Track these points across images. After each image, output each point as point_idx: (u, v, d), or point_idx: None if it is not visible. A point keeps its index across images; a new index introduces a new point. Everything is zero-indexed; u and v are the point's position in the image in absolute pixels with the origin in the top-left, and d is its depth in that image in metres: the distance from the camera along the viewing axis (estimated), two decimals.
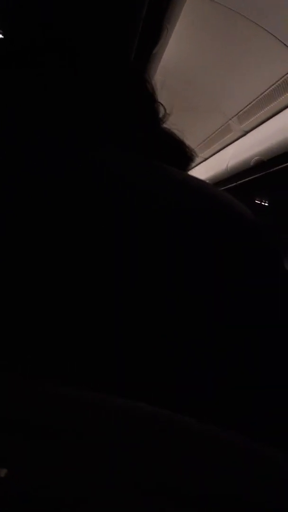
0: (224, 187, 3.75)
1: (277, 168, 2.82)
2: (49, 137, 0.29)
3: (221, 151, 3.78)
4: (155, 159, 0.32)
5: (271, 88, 2.60)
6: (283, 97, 2.60)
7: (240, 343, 0.25)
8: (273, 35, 2.21)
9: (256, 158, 2.94)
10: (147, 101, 0.36)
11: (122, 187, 0.27)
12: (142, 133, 0.34)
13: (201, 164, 4.33)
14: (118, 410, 0.21)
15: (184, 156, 0.39)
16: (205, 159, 4.22)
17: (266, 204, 3.93)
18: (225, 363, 0.25)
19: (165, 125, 0.38)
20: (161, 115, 0.37)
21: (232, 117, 3.18)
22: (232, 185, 3.58)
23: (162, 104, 0.36)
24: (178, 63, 2.73)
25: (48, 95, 0.31)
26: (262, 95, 2.72)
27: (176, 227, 0.26)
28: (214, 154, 3.97)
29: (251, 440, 0.22)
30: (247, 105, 2.92)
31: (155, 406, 0.22)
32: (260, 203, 3.94)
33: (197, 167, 4.39)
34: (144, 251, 0.25)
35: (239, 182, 3.45)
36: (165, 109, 0.37)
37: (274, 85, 2.56)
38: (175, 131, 0.37)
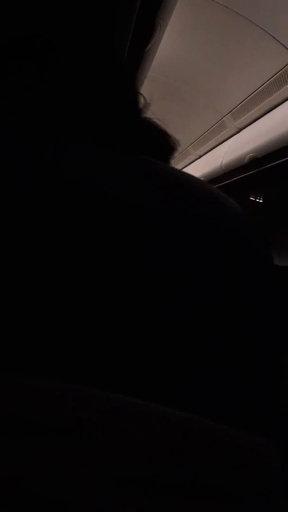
0: (219, 184, 3.76)
1: (271, 165, 2.82)
2: (18, 138, 0.29)
3: (216, 148, 3.78)
4: (136, 151, 0.32)
5: (265, 85, 2.61)
6: (277, 93, 2.60)
7: (235, 340, 0.25)
8: (267, 32, 2.21)
9: (250, 155, 2.94)
10: (126, 91, 0.35)
11: (98, 194, 0.27)
12: (122, 124, 0.33)
13: (196, 161, 4.33)
14: (118, 407, 0.21)
15: (166, 146, 0.38)
16: (200, 156, 4.23)
17: (261, 201, 3.94)
18: (220, 359, 0.25)
19: (147, 116, 0.37)
20: (141, 105, 0.36)
21: (226, 114, 3.19)
22: (227, 182, 3.59)
23: (142, 94, 0.36)
24: (172, 60, 2.73)
25: (15, 89, 0.30)
26: (256, 92, 2.72)
27: (165, 230, 0.26)
28: (208, 151, 3.97)
29: (243, 431, 0.23)
30: (241, 102, 2.92)
31: (154, 402, 0.22)
32: (255, 200, 3.95)
33: (192, 164, 4.39)
34: (136, 254, 0.25)
35: (234, 179, 3.45)
36: (145, 99, 0.36)
37: (268, 82, 2.57)
38: (157, 121, 0.36)
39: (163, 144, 0.38)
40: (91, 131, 0.31)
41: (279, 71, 2.41)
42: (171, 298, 0.25)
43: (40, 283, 0.24)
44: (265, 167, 2.89)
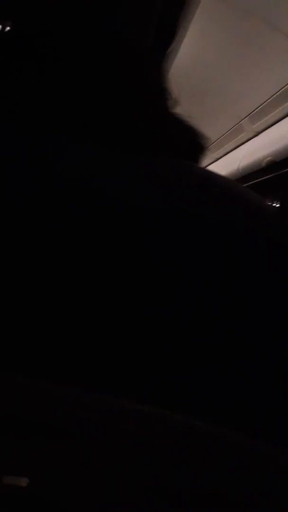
0: None
1: None
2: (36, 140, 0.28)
3: (233, 151, 3.77)
4: (164, 151, 0.31)
5: (283, 89, 2.59)
6: None
7: (236, 341, 0.25)
8: (286, 36, 2.19)
9: (268, 158, 2.92)
10: (154, 86, 0.34)
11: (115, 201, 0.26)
12: (148, 121, 0.31)
13: (213, 164, 4.31)
14: (118, 408, 0.21)
15: (195, 145, 0.36)
16: (217, 159, 4.21)
17: (278, 205, 3.90)
18: (222, 360, 0.25)
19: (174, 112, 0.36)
20: (169, 101, 0.34)
21: (244, 117, 3.17)
22: (244, 185, 3.56)
23: (169, 90, 0.34)
24: (192, 62, 2.73)
25: (35, 83, 0.30)
26: (274, 96, 2.70)
27: (165, 230, 0.26)
28: (225, 154, 3.96)
29: (253, 439, 0.22)
30: (260, 105, 2.90)
31: (154, 405, 0.22)
32: (272, 204, 3.91)
33: (208, 167, 4.38)
34: (136, 254, 0.25)
35: (251, 182, 3.43)
36: (172, 95, 0.34)
37: (286, 86, 2.55)
38: (185, 118, 0.35)
39: (192, 143, 0.36)
40: (97, 130, 0.30)
41: None
42: (171, 299, 0.24)
43: (39, 284, 0.24)
44: (283, 171, 2.87)
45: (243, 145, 3.53)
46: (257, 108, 2.95)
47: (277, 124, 2.94)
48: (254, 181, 3.36)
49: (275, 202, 3.83)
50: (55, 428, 0.19)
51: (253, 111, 3.01)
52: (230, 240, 0.27)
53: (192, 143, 0.35)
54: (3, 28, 0.31)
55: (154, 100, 0.32)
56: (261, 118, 3.02)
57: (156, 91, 0.33)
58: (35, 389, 0.21)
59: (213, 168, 4.27)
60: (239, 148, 3.62)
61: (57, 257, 0.24)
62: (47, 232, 0.25)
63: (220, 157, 4.11)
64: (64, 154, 0.28)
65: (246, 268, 0.27)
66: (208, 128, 3.58)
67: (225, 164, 3.87)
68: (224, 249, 0.27)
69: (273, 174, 3.02)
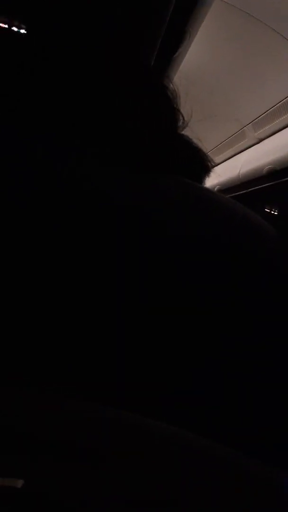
0: (235, 194, 3.74)
1: None
2: (52, 151, 0.28)
3: (234, 157, 3.77)
4: (170, 170, 0.31)
5: (287, 98, 2.60)
6: None
7: (245, 360, 0.25)
8: None
9: (268, 166, 2.93)
10: (166, 108, 0.34)
11: (127, 212, 0.26)
12: (158, 142, 0.31)
13: (213, 169, 4.32)
14: (119, 423, 0.21)
15: (202, 166, 0.36)
16: (218, 164, 4.22)
17: (276, 213, 3.91)
18: (229, 377, 0.25)
19: (183, 132, 0.36)
20: (179, 122, 0.34)
21: (247, 124, 3.18)
22: (243, 192, 3.57)
23: (180, 112, 0.34)
24: (197, 68, 2.74)
25: (58, 97, 0.30)
26: (278, 104, 2.71)
27: (188, 256, 0.26)
28: (226, 159, 3.96)
29: (250, 459, 0.22)
30: (263, 113, 2.91)
31: (155, 418, 0.22)
32: (270, 212, 3.92)
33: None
34: (137, 258, 0.25)
35: (250, 189, 3.44)
36: (183, 117, 0.34)
37: None
38: (193, 139, 0.35)
39: (198, 164, 0.36)
40: (101, 140, 0.30)
41: None
42: (173, 309, 0.24)
43: (39, 285, 0.24)
44: (283, 179, 2.88)
45: (244, 152, 3.54)
46: (260, 115, 2.96)
47: (279, 133, 2.96)
48: (254, 188, 3.37)
49: (273, 210, 3.85)
50: (56, 441, 0.19)
51: (257, 118, 3.02)
52: (234, 259, 0.27)
53: (199, 164, 0.34)
54: (8, 29, 0.31)
55: (165, 122, 0.32)
56: (264, 125, 3.03)
57: (167, 114, 0.33)
58: (36, 402, 0.20)
59: (213, 172, 4.25)
60: (240, 154, 3.63)
61: (57, 257, 0.24)
62: (47, 232, 0.25)
63: (221, 162, 4.11)
64: (64, 154, 0.28)
65: (250, 284, 0.27)
66: (211, 132, 3.59)
67: (226, 170, 3.87)
68: (232, 269, 0.27)
69: (273, 182, 3.03)
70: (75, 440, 0.20)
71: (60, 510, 0.17)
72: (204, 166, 0.36)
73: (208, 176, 0.36)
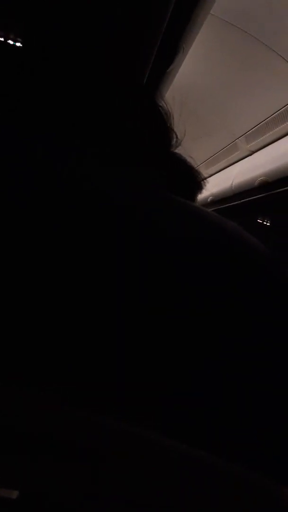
0: (228, 205, 3.76)
1: (281, 190, 2.84)
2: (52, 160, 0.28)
3: (227, 169, 3.81)
4: (164, 187, 0.31)
5: (280, 111, 2.64)
6: None
7: (242, 371, 0.25)
8: (285, 59, 2.25)
9: (261, 178, 2.96)
10: (159, 127, 0.34)
11: (126, 216, 0.26)
12: (152, 159, 0.32)
13: (207, 179, 4.34)
14: (119, 435, 0.21)
15: (194, 185, 0.37)
16: (211, 175, 4.25)
17: (268, 224, 3.94)
18: (228, 380, 0.25)
19: (177, 150, 0.36)
20: (173, 141, 0.35)
21: (240, 136, 3.22)
22: (236, 203, 3.60)
23: (174, 131, 0.34)
24: (191, 81, 2.77)
25: (57, 113, 0.30)
26: (270, 117, 2.75)
27: (183, 261, 0.26)
28: (219, 171, 4.00)
29: (250, 471, 0.22)
30: (255, 126, 2.95)
31: (154, 430, 0.22)
32: (262, 223, 3.95)
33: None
34: (136, 260, 0.25)
35: (243, 200, 3.46)
36: (177, 136, 0.35)
37: (284, 108, 2.60)
38: (187, 158, 0.35)
39: (191, 182, 0.36)
40: (120, 162, 0.30)
41: None
42: (175, 326, 0.24)
43: (39, 287, 0.23)
44: (275, 191, 2.90)
45: (237, 163, 3.58)
46: (253, 128, 3.00)
47: (271, 145, 2.99)
48: (246, 199, 3.39)
49: (265, 221, 3.88)
50: (56, 441, 0.19)
51: (249, 130, 3.06)
52: (232, 261, 0.27)
53: (192, 182, 0.34)
54: (6, 37, 0.32)
55: (159, 141, 0.32)
56: (256, 138, 3.07)
57: (161, 132, 0.33)
58: (37, 401, 0.20)
59: (207, 184, 4.28)
60: (233, 166, 3.67)
61: (57, 257, 0.24)
62: (47, 232, 0.25)
63: (214, 173, 4.15)
64: (64, 154, 0.29)
65: (248, 286, 0.27)
66: (204, 144, 3.63)
67: (218, 181, 3.90)
68: (230, 276, 0.27)
69: (265, 194, 3.06)
70: (75, 441, 0.20)
71: (60, 511, 0.18)
72: (197, 184, 0.36)
73: (200, 193, 0.36)
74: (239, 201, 3.52)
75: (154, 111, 0.34)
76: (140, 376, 0.23)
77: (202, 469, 0.21)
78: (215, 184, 3.93)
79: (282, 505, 0.21)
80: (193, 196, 0.36)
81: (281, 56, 2.24)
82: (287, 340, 0.27)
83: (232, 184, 3.51)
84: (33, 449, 0.19)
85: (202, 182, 0.35)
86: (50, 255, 0.24)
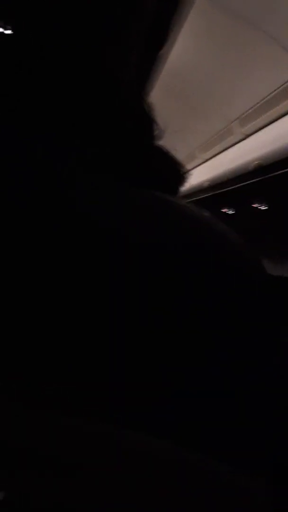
0: (223, 190, 3.76)
1: (276, 173, 2.83)
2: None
3: (222, 154, 3.79)
4: (144, 181, 0.31)
5: (273, 94, 2.62)
6: (284, 102, 2.61)
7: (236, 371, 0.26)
8: (277, 41, 2.22)
9: (256, 162, 2.95)
10: (140, 119, 0.34)
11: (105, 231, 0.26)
12: (133, 152, 0.32)
13: (201, 165, 4.34)
14: (117, 442, 0.21)
15: (177, 177, 0.36)
16: (206, 161, 4.24)
17: (263, 208, 3.95)
18: (223, 390, 0.25)
19: (171, 137, 0.35)
20: (156, 132, 0.34)
21: (234, 120, 3.20)
22: (231, 187, 3.59)
23: (157, 123, 0.34)
24: (183, 64, 2.74)
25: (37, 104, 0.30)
26: (264, 100, 2.73)
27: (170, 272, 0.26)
28: (214, 156, 3.98)
29: (235, 470, 0.23)
30: (249, 109, 2.93)
31: (151, 434, 0.22)
32: (257, 207, 3.95)
33: (197, 168, 4.40)
34: (136, 264, 0.25)
35: (238, 185, 3.46)
36: (159, 129, 0.34)
37: (276, 91, 2.58)
38: (169, 150, 0.35)
39: (174, 175, 0.36)
40: (97, 158, 0.30)
41: None
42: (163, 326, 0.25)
43: (38, 287, 0.23)
44: (270, 175, 2.90)
45: (232, 148, 3.56)
46: (247, 111, 2.98)
47: (266, 128, 2.98)
48: (242, 184, 3.39)
49: (261, 205, 3.88)
50: (53, 455, 0.19)
51: (243, 114, 3.04)
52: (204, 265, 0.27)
53: (174, 175, 0.34)
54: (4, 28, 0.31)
55: (141, 133, 0.32)
56: (251, 121, 3.05)
57: (143, 123, 0.33)
58: (33, 418, 0.20)
59: (202, 169, 4.29)
60: (228, 150, 3.65)
61: (56, 257, 0.24)
62: (47, 232, 0.25)
63: (209, 159, 4.13)
64: (64, 154, 0.28)
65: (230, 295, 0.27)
66: (198, 129, 3.61)
67: (213, 166, 3.89)
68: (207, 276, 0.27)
69: (260, 178, 3.06)
70: (73, 454, 0.20)
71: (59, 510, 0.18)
72: (181, 177, 0.36)
73: (183, 186, 0.36)
74: (235, 186, 3.51)
75: (133, 104, 0.34)
76: (135, 379, 0.23)
77: (200, 473, 0.22)
78: (211, 169, 3.92)
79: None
80: (176, 189, 0.36)
81: (271, 37, 2.21)
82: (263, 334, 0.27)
83: (227, 169, 3.50)
84: (31, 464, 0.19)
85: (185, 176, 0.35)
86: (50, 255, 0.24)
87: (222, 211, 4.77)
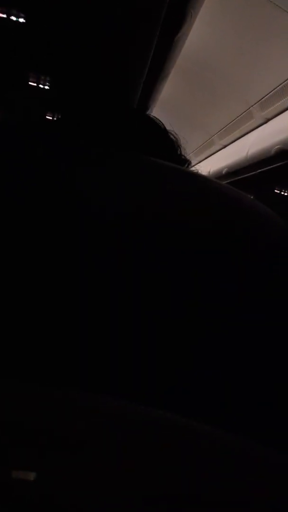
0: (244, 176, 3.70)
1: None
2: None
3: (242, 139, 3.72)
4: (134, 149, 0.31)
5: None
6: None
7: (244, 346, 0.25)
8: None
9: (277, 147, 2.89)
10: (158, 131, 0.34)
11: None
12: (116, 122, 0.32)
13: (221, 151, 4.27)
14: (116, 413, 0.21)
15: (166, 145, 0.36)
16: (225, 146, 4.17)
17: (286, 194, 3.87)
18: (227, 363, 0.25)
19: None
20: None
21: (254, 104, 3.12)
22: (252, 173, 3.53)
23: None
24: (201, 48, 2.69)
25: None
26: (285, 82, 2.66)
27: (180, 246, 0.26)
28: (234, 141, 3.91)
29: (252, 442, 0.22)
30: (269, 92, 2.86)
31: (154, 407, 0.21)
32: (280, 193, 3.88)
33: (216, 154, 4.34)
34: (134, 254, 0.25)
35: (259, 170, 3.40)
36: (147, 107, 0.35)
37: None
38: (159, 121, 0.35)
39: (161, 143, 0.36)
40: (87, 129, 0.31)
41: None
42: (170, 301, 0.24)
43: (37, 281, 0.24)
44: None
45: (252, 132, 3.49)
46: (267, 94, 2.90)
47: (287, 112, 2.90)
48: (263, 169, 3.32)
49: (283, 191, 3.80)
50: (56, 436, 0.19)
51: (263, 97, 2.97)
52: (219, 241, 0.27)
53: (164, 144, 0.34)
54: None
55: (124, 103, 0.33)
56: (271, 105, 2.98)
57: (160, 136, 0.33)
58: (35, 396, 0.20)
59: (221, 154, 4.23)
60: (248, 135, 3.58)
61: (57, 254, 0.24)
62: (47, 228, 0.25)
63: (228, 144, 4.06)
64: (63, 153, 0.29)
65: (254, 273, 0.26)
66: (217, 114, 3.54)
67: (233, 151, 3.82)
68: (214, 251, 0.26)
69: (282, 163, 2.99)
70: (76, 432, 0.20)
71: (60, 502, 0.18)
72: (169, 145, 0.36)
73: (181, 154, 0.36)
74: (255, 172, 3.45)
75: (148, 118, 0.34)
76: (137, 360, 0.23)
77: (206, 445, 0.21)
78: (230, 155, 3.86)
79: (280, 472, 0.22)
80: (171, 158, 0.35)
81: None
82: None
83: (247, 154, 3.43)
84: (37, 443, 0.19)
85: (175, 143, 0.35)
86: (50, 253, 0.24)
87: None
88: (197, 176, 0.31)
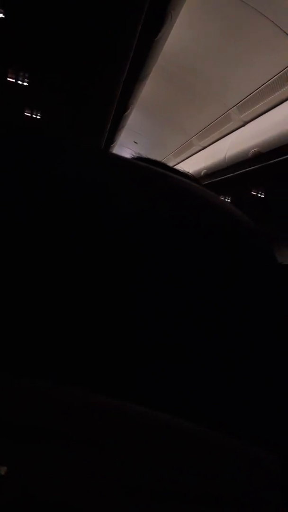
0: (222, 177, 3.74)
1: (274, 160, 2.81)
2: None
3: (220, 141, 3.76)
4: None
5: (273, 79, 2.59)
6: (284, 88, 2.59)
7: (236, 345, 0.26)
8: (277, 25, 2.19)
9: (254, 149, 2.93)
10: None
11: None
12: None
13: (200, 152, 4.31)
14: (119, 413, 0.21)
15: None
16: (204, 148, 4.21)
17: (262, 196, 3.93)
18: (221, 365, 0.25)
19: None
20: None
21: (233, 107, 3.17)
22: (230, 175, 3.57)
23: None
24: (181, 50, 2.71)
25: None
26: (263, 86, 2.70)
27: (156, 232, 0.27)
28: (213, 143, 3.95)
29: (241, 442, 0.23)
30: (248, 95, 2.90)
31: (151, 407, 0.22)
32: (256, 195, 3.94)
33: (195, 156, 4.37)
34: (134, 258, 0.26)
35: (237, 172, 3.44)
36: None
37: (276, 76, 2.55)
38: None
39: None
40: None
41: None
42: (169, 303, 0.25)
43: (38, 280, 0.24)
44: (268, 162, 2.88)
45: (230, 135, 3.53)
46: (245, 97, 2.95)
47: (265, 115, 2.95)
48: (240, 171, 3.37)
49: (259, 192, 3.86)
50: (56, 433, 0.19)
51: (241, 100, 3.01)
52: (224, 242, 0.28)
53: None
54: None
55: None
56: (249, 108, 3.02)
57: None
58: (35, 393, 0.20)
59: (200, 156, 4.26)
60: (226, 137, 3.62)
61: (57, 255, 0.24)
62: (47, 229, 0.25)
63: (207, 146, 4.10)
64: (63, 153, 0.29)
65: (243, 269, 0.27)
66: (196, 115, 3.57)
67: (212, 153, 3.86)
68: (217, 250, 0.27)
69: (259, 165, 3.04)
70: (74, 430, 0.20)
71: (58, 501, 0.18)
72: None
73: None
74: (233, 173, 3.49)
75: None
76: (136, 358, 0.24)
77: (202, 446, 0.21)
78: (209, 157, 3.90)
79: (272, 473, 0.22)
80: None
81: (273, 22, 2.18)
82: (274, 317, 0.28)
83: (225, 156, 3.47)
84: (32, 439, 0.19)
85: None
86: (50, 252, 0.24)
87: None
88: (170, 177, 0.32)
